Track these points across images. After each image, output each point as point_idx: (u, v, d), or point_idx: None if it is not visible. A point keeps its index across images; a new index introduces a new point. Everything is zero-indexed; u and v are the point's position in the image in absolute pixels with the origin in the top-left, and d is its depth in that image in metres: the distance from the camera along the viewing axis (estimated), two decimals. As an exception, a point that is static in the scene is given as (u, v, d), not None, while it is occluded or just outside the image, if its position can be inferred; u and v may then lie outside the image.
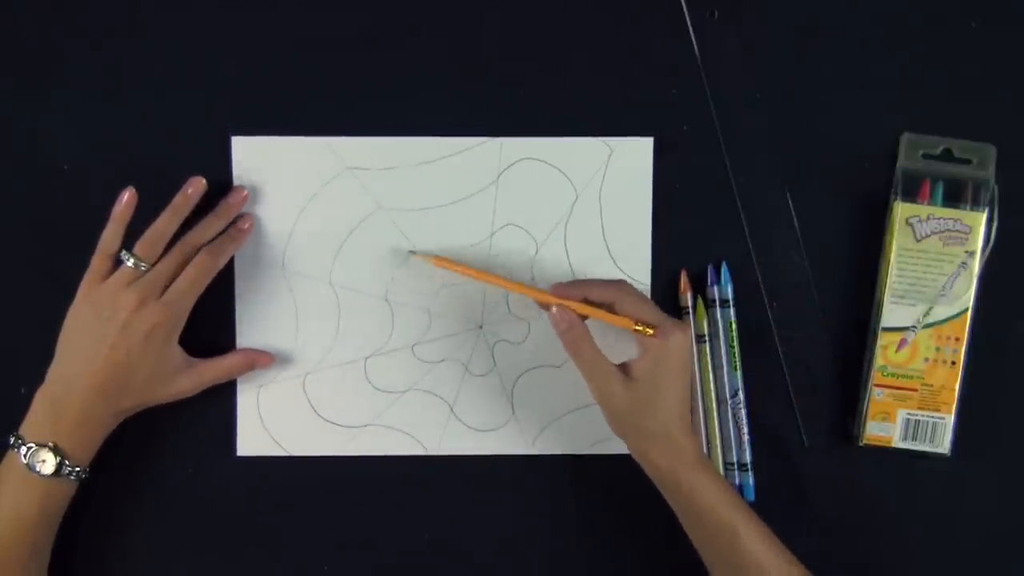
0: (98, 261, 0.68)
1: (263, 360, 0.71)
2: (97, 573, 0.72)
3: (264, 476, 0.72)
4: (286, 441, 0.72)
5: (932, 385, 0.71)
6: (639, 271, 0.73)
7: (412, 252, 0.71)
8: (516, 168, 0.72)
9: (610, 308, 0.67)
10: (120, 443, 0.69)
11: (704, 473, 0.66)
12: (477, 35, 0.72)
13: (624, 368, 0.66)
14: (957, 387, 0.71)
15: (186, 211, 0.69)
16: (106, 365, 0.66)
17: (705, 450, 0.72)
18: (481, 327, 0.73)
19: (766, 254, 0.73)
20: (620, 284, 0.67)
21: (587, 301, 0.67)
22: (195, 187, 0.69)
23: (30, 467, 0.65)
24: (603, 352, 0.66)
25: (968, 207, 0.71)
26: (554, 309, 0.66)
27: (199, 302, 0.68)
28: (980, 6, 0.73)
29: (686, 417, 0.66)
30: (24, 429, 0.66)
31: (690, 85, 0.72)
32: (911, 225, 0.71)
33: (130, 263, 0.67)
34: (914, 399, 0.71)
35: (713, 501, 0.65)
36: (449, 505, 0.73)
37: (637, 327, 0.65)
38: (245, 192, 0.71)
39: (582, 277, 0.72)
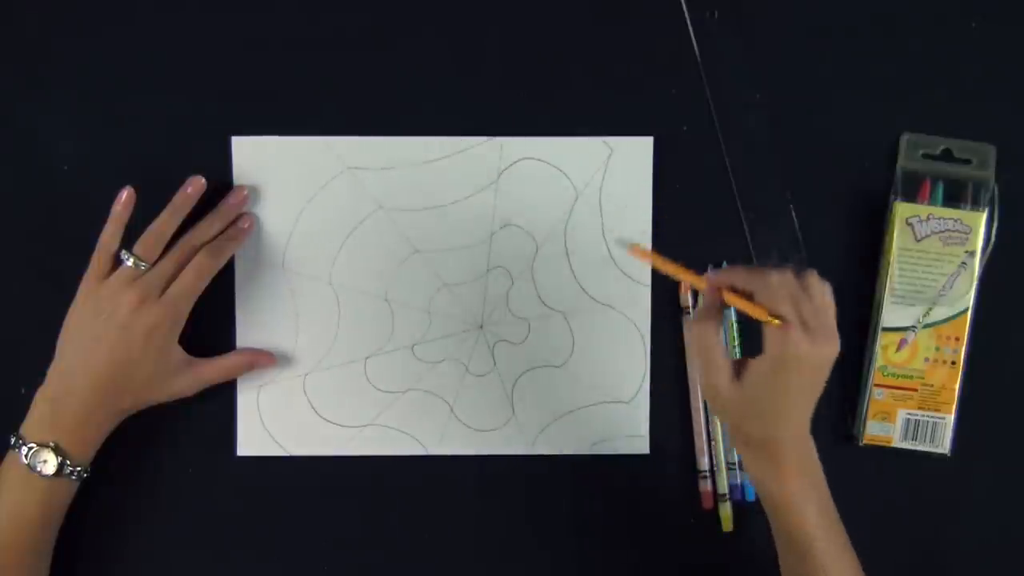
0: (98, 260, 0.68)
1: (263, 360, 0.71)
2: (97, 573, 0.72)
3: (264, 476, 0.72)
4: (286, 441, 0.72)
5: (932, 385, 0.71)
6: (639, 271, 0.73)
7: (630, 244, 0.66)
8: (516, 168, 0.72)
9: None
10: (120, 443, 0.69)
11: (798, 493, 0.61)
12: (477, 35, 0.72)
13: (739, 364, 0.61)
14: (957, 387, 0.71)
15: (186, 210, 0.69)
16: (106, 365, 0.66)
17: (705, 449, 0.72)
18: (481, 327, 0.73)
19: (766, 254, 0.73)
20: (769, 270, 0.60)
21: (734, 288, 0.61)
22: (195, 186, 0.69)
23: (31, 467, 0.65)
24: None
25: (968, 207, 0.71)
26: (706, 287, 0.62)
27: (199, 302, 0.68)
28: (980, 6, 0.73)
29: (798, 431, 0.61)
30: (25, 429, 0.66)
31: (690, 85, 0.72)
32: (911, 225, 0.71)
33: (130, 262, 0.67)
34: (914, 399, 0.71)
35: (797, 520, 0.61)
36: (449, 505, 0.73)
37: (768, 318, 0.59)
38: (245, 192, 0.71)
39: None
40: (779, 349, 0.58)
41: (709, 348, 0.61)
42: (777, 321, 0.59)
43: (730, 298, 0.61)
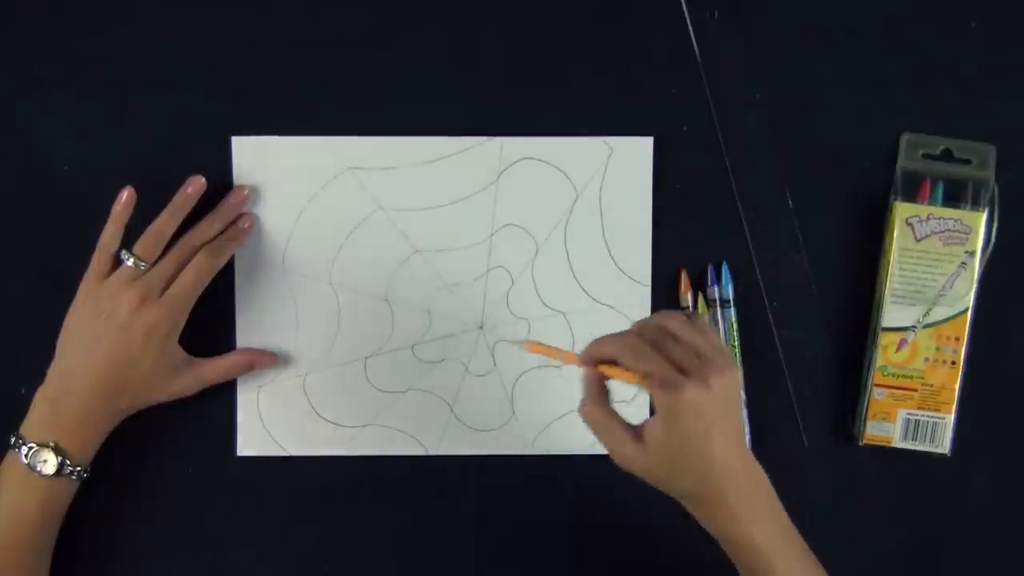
0: (98, 260, 0.68)
1: (263, 360, 0.71)
2: (97, 573, 0.72)
3: (264, 476, 0.72)
4: (286, 441, 0.72)
5: (932, 385, 0.71)
6: (639, 271, 0.73)
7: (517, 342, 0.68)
8: (516, 168, 0.72)
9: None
10: (120, 443, 0.69)
11: (749, 526, 0.59)
12: (477, 35, 0.72)
13: (639, 430, 0.59)
14: (957, 387, 0.71)
15: (186, 210, 0.69)
16: (106, 364, 0.66)
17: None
18: (481, 327, 0.73)
19: (766, 254, 0.73)
20: (628, 332, 0.59)
21: (604, 360, 0.59)
22: (195, 186, 0.69)
23: (31, 467, 0.65)
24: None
25: (968, 207, 0.71)
26: (585, 370, 0.60)
27: (199, 302, 0.68)
28: (980, 6, 0.73)
29: (730, 468, 0.58)
30: (25, 429, 0.66)
31: (690, 85, 0.72)
32: (911, 225, 0.71)
33: (130, 262, 0.67)
34: (914, 399, 0.71)
35: (752, 554, 0.59)
36: (450, 505, 0.73)
37: (638, 380, 0.58)
38: (245, 192, 0.71)
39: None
40: (662, 405, 0.57)
41: (603, 426, 0.59)
42: (646, 381, 0.57)
43: (606, 371, 0.59)
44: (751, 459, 0.60)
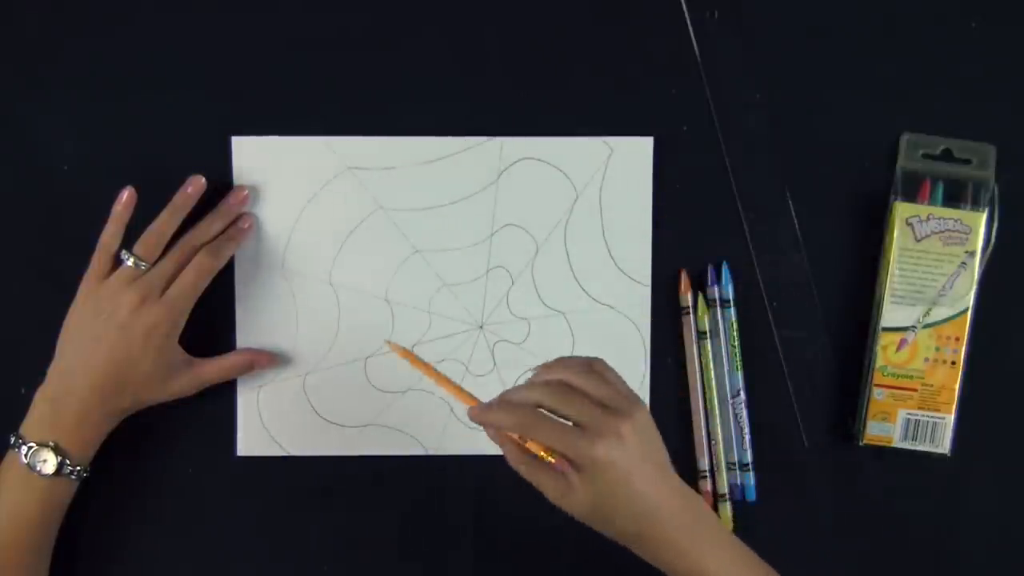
0: (98, 260, 0.68)
1: (263, 360, 0.71)
2: (97, 573, 0.72)
3: (264, 476, 0.72)
4: (286, 441, 0.72)
5: (932, 385, 0.71)
6: (639, 271, 0.73)
7: (387, 342, 0.69)
8: (516, 168, 0.72)
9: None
10: (120, 443, 0.69)
11: (698, 559, 0.59)
12: (477, 35, 0.72)
13: (568, 481, 0.58)
14: (957, 387, 0.71)
15: (186, 210, 0.69)
16: (106, 364, 0.66)
17: (705, 449, 0.72)
18: (481, 327, 0.73)
19: (766, 254, 0.73)
20: (516, 403, 0.59)
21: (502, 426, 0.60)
22: (195, 186, 0.69)
23: (31, 467, 0.65)
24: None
25: (968, 207, 0.71)
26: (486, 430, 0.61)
27: (199, 302, 0.68)
28: (980, 6, 0.73)
29: (667, 506, 0.58)
30: (25, 429, 0.66)
31: (690, 85, 0.72)
32: (911, 225, 0.71)
33: (130, 262, 0.67)
34: (914, 399, 0.71)
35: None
36: (449, 505, 0.73)
37: (543, 454, 0.59)
38: (245, 192, 0.71)
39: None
40: (579, 465, 0.57)
41: (534, 480, 0.59)
42: (550, 458, 0.58)
43: (510, 444, 0.60)
44: (683, 489, 0.60)
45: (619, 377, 0.60)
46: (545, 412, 0.58)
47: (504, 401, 0.60)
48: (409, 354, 0.67)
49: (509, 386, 0.72)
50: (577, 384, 0.58)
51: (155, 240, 0.68)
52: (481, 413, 0.60)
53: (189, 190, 0.69)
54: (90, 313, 0.67)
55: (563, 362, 0.60)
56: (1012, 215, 0.71)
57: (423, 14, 0.72)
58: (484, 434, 0.72)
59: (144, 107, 0.71)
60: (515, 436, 0.60)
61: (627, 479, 0.57)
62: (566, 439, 0.57)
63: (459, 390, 0.64)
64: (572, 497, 0.58)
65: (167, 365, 0.68)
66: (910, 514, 0.73)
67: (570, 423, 0.58)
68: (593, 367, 0.60)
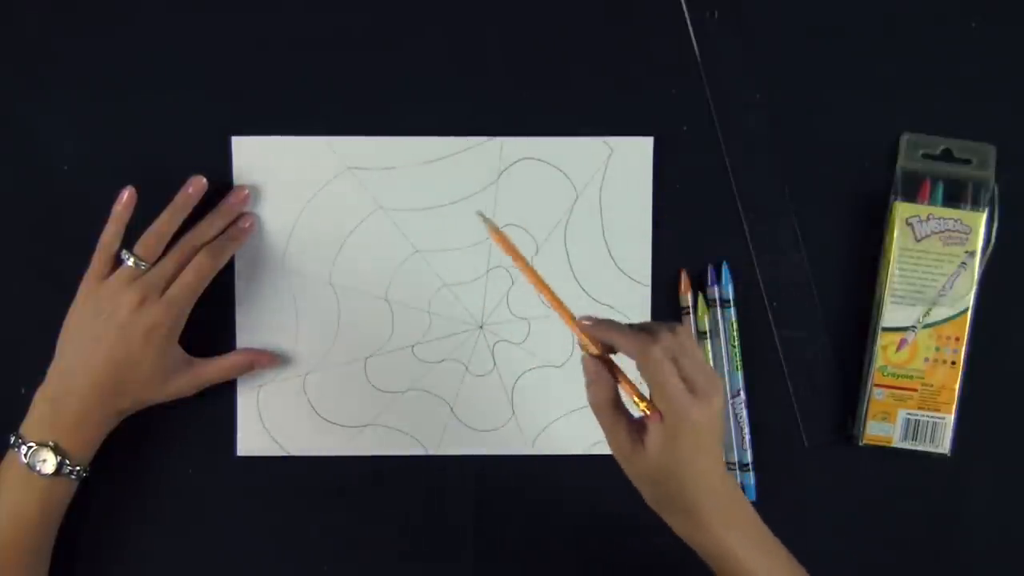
0: (98, 260, 0.68)
1: (263, 360, 0.71)
2: (97, 573, 0.72)
3: (264, 476, 0.72)
4: (286, 441, 0.72)
5: (932, 385, 0.71)
6: (639, 271, 0.73)
7: (480, 214, 0.63)
8: (516, 168, 0.72)
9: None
10: (120, 443, 0.69)
11: (728, 541, 0.60)
12: (477, 35, 0.72)
13: (639, 429, 0.59)
14: (957, 387, 0.71)
15: (186, 210, 0.69)
16: (106, 364, 0.66)
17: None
18: (481, 327, 0.73)
19: (766, 254, 0.73)
20: (649, 337, 0.58)
21: (611, 349, 0.60)
22: (196, 186, 0.69)
23: (30, 467, 0.65)
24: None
25: (968, 207, 0.71)
26: (585, 356, 0.60)
27: (199, 302, 0.68)
28: (980, 6, 0.73)
29: (712, 485, 0.60)
30: (24, 429, 0.66)
31: (690, 85, 0.72)
32: (911, 225, 0.71)
33: (130, 262, 0.67)
34: (914, 399, 0.71)
35: (735, 567, 0.60)
36: (449, 505, 0.73)
37: (643, 407, 0.59)
38: (246, 192, 0.71)
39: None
40: (673, 419, 0.57)
41: (609, 421, 0.60)
42: (642, 406, 0.59)
43: (615, 376, 0.60)
44: (729, 477, 0.62)
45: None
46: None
47: (621, 330, 0.59)
48: (503, 239, 0.62)
49: (509, 386, 0.73)
50: (689, 346, 0.59)
51: (155, 240, 0.68)
52: (598, 326, 0.60)
53: (190, 190, 0.69)
54: (90, 313, 0.67)
55: (673, 325, 0.60)
56: (1012, 215, 0.71)
57: (424, 14, 0.72)
58: (484, 434, 0.73)
59: (144, 107, 0.71)
60: (609, 375, 0.60)
61: (698, 449, 0.58)
62: (675, 391, 0.57)
63: (554, 298, 0.61)
64: (640, 452, 0.59)
65: (167, 365, 0.68)
66: (910, 514, 0.73)
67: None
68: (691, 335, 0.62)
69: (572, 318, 0.61)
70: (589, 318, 0.61)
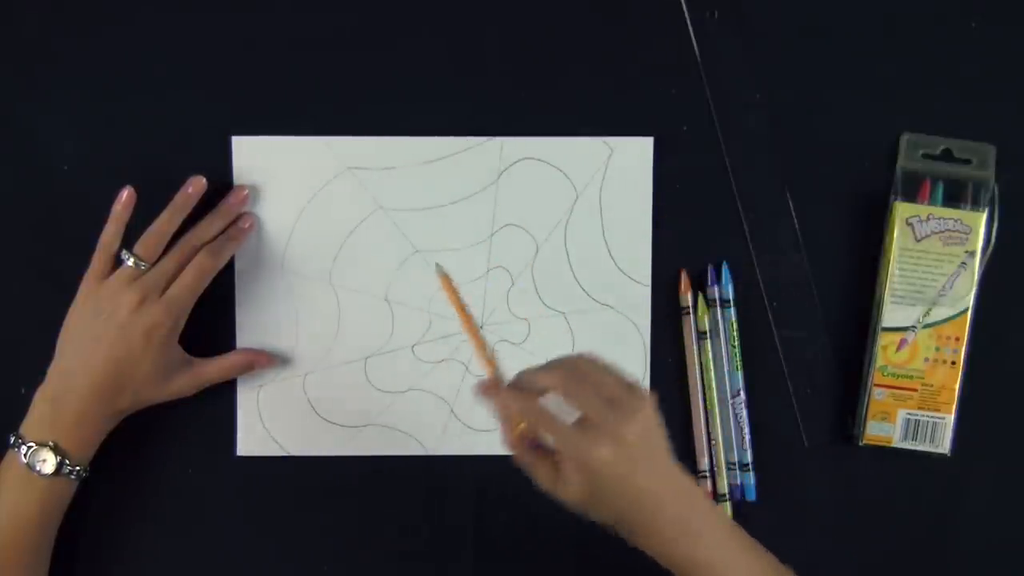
0: (98, 260, 0.68)
1: (262, 360, 0.71)
2: (97, 573, 0.72)
3: (264, 476, 0.72)
4: (286, 441, 0.72)
5: (932, 385, 0.71)
6: (639, 271, 0.73)
7: (438, 265, 0.69)
8: (516, 168, 0.72)
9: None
10: (120, 443, 0.69)
11: (690, 547, 0.60)
12: (477, 35, 0.72)
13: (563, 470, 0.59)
14: (957, 387, 0.71)
15: (186, 210, 0.69)
16: (105, 364, 0.66)
17: (705, 449, 0.72)
18: (481, 327, 0.73)
19: (766, 254, 0.73)
20: (524, 397, 0.60)
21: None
22: (196, 186, 0.69)
23: (30, 466, 0.65)
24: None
25: (968, 207, 0.71)
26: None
27: (199, 302, 0.68)
28: (980, 6, 0.73)
29: (654, 500, 0.59)
30: (24, 428, 0.66)
31: (690, 85, 0.72)
32: (911, 225, 0.71)
33: (130, 262, 0.67)
34: (914, 399, 0.71)
35: (704, 572, 0.60)
36: (449, 505, 0.73)
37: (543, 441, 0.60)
38: (246, 192, 0.71)
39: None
40: (575, 463, 0.58)
41: (527, 467, 0.60)
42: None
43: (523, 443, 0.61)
44: (679, 482, 0.60)
45: (625, 375, 0.61)
46: (550, 403, 0.59)
47: (514, 385, 0.61)
48: (450, 287, 0.67)
49: (509, 386, 0.72)
50: (588, 374, 0.59)
51: (155, 240, 0.68)
52: (487, 391, 0.61)
53: (190, 190, 0.69)
54: (90, 313, 0.67)
55: (574, 357, 0.61)
56: (1012, 215, 0.71)
57: (423, 14, 0.72)
58: (484, 434, 0.73)
59: (144, 107, 0.71)
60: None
61: (622, 479, 0.58)
62: (567, 438, 0.58)
63: (483, 349, 0.65)
64: (565, 488, 0.59)
65: (167, 365, 0.68)
66: (910, 514, 0.73)
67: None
68: (599, 362, 0.61)
69: (494, 373, 0.63)
70: (490, 384, 0.62)
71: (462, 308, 0.67)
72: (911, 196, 0.71)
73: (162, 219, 0.68)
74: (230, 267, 0.71)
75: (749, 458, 0.72)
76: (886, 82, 0.73)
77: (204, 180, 0.69)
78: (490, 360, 0.65)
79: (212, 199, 0.70)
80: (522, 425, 0.61)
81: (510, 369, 0.73)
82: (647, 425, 0.59)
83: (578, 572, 0.73)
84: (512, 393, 0.61)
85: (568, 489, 0.59)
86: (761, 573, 0.60)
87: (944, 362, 0.71)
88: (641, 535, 0.60)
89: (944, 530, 0.73)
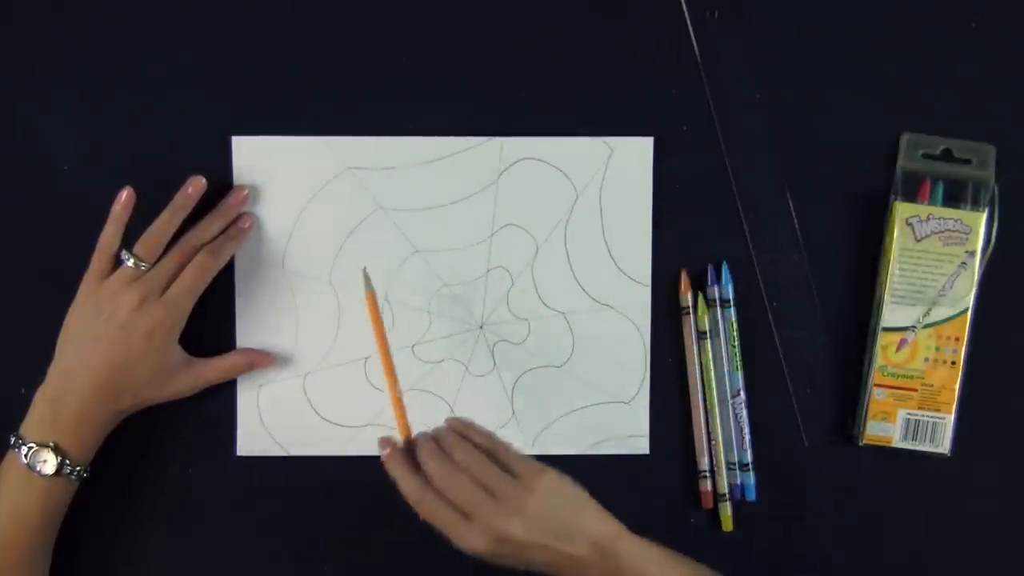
0: (98, 261, 0.68)
1: (262, 360, 0.71)
2: (97, 573, 0.72)
3: (264, 476, 0.72)
4: (286, 441, 0.72)
5: (932, 385, 0.71)
6: (639, 271, 0.73)
7: (364, 269, 0.68)
8: (516, 168, 0.72)
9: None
10: (120, 443, 0.69)
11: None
12: (477, 35, 0.72)
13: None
14: (957, 387, 0.71)
15: (186, 210, 0.69)
16: (105, 365, 0.66)
17: (705, 449, 0.72)
18: (481, 327, 0.73)
19: (766, 254, 0.73)
20: (415, 484, 0.61)
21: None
22: (195, 186, 0.69)
23: (31, 467, 0.65)
24: None
25: (968, 207, 0.71)
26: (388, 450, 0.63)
27: (199, 302, 0.68)
28: (980, 6, 0.73)
29: (567, 563, 0.61)
30: (24, 429, 0.66)
31: (690, 85, 0.72)
32: (911, 225, 0.71)
33: (130, 263, 0.67)
34: (914, 399, 0.71)
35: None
36: (449, 505, 0.73)
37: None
38: (246, 192, 0.71)
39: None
40: (465, 546, 0.60)
41: (434, 521, 0.61)
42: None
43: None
44: (595, 531, 0.61)
45: (516, 454, 0.62)
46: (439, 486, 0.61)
47: (408, 465, 0.62)
48: (376, 315, 0.66)
49: (509, 387, 0.73)
50: (467, 464, 0.61)
51: (155, 240, 0.68)
52: (387, 459, 0.62)
53: (189, 190, 0.69)
54: (90, 313, 0.67)
55: (454, 439, 0.62)
56: (1012, 215, 0.71)
57: (423, 14, 0.72)
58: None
59: (144, 107, 0.71)
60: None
61: (519, 555, 0.60)
62: (449, 527, 0.60)
63: (399, 407, 0.66)
64: (469, 544, 0.60)
65: (167, 365, 0.68)
66: (910, 514, 0.73)
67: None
68: (493, 443, 0.62)
69: (404, 423, 0.65)
70: (397, 448, 0.63)
71: (382, 332, 0.66)
72: (911, 196, 0.71)
73: (162, 219, 0.68)
74: (230, 267, 0.71)
75: (749, 458, 0.72)
76: (886, 82, 0.73)
77: (204, 180, 0.69)
78: (398, 400, 0.65)
79: (212, 199, 0.70)
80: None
81: (511, 368, 0.73)
82: (539, 508, 0.60)
83: (578, 572, 0.73)
84: (402, 476, 0.62)
85: (472, 546, 0.60)
86: None
87: (944, 362, 0.71)
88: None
89: (944, 530, 0.73)
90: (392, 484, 0.72)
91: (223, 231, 0.70)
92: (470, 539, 0.60)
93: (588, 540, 0.61)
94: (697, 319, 0.72)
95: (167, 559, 0.72)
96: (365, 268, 0.67)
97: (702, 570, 0.62)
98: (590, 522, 0.62)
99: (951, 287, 0.71)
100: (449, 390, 0.73)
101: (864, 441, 0.72)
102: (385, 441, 0.63)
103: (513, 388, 0.73)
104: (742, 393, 0.72)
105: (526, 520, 0.60)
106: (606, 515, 0.62)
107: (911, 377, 0.71)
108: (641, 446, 0.73)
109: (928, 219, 0.71)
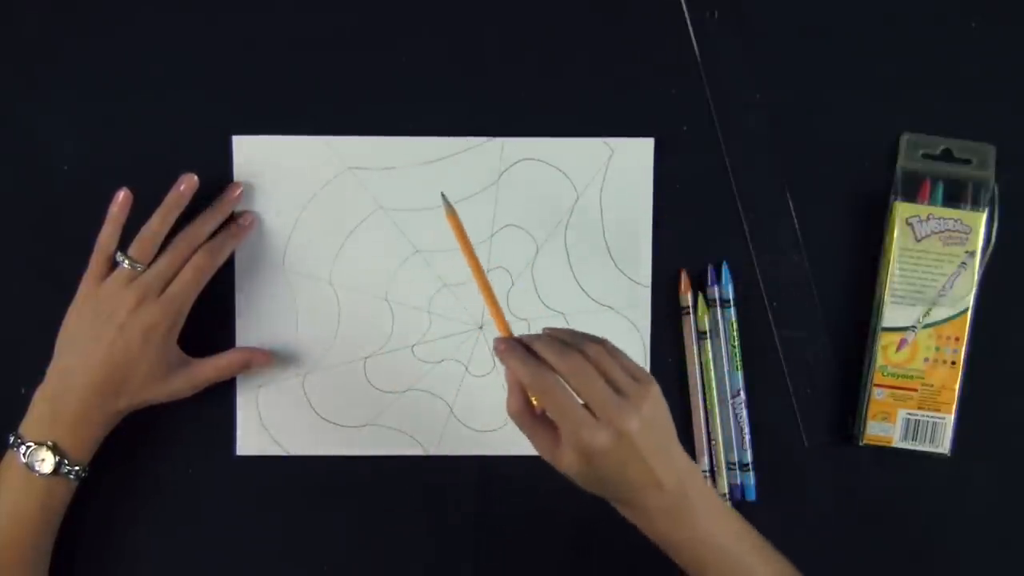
0: (96, 262, 0.68)
1: (260, 358, 0.71)
2: (97, 573, 0.72)
3: (264, 476, 0.72)
4: (286, 441, 0.72)
5: (932, 385, 0.71)
6: (639, 271, 0.73)
7: (443, 194, 0.67)
8: (516, 168, 0.72)
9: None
10: (120, 443, 0.69)
11: (682, 530, 0.61)
12: (478, 35, 0.72)
13: (563, 445, 0.59)
14: (957, 387, 0.71)
15: (179, 209, 0.69)
16: (104, 365, 0.66)
17: (705, 449, 0.72)
18: (481, 327, 0.73)
19: (766, 254, 0.73)
20: (541, 372, 0.59)
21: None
22: (187, 184, 0.69)
23: (29, 466, 0.65)
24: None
25: (968, 207, 0.71)
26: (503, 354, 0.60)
27: (198, 302, 0.68)
28: (980, 6, 0.73)
29: (648, 487, 0.59)
30: (23, 428, 0.66)
31: (690, 85, 0.72)
32: (911, 225, 0.71)
33: (125, 264, 0.67)
34: (914, 399, 0.71)
35: (696, 551, 0.62)
36: (449, 505, 0.73)
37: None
38: (240, 189, 0.71)
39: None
40: (576, 447, 0.58)
41: (528, 432, 0.61)
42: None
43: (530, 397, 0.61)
44: (679, 466, 0.61)
45: (630, 359, 0.61)
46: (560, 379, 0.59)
47: (527, 354, 0.60)
48: (459, 228, 0.65)
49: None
50: (596, 361, 0.59)
51: (149, 241, 0.68)
52: (504, 352, 0.60)
53: (182, 188, 0.69)
54: (89, 314, 0.67)
55: (585, 342, 0.60)
56: (1012, 215, 0.71)
57: (424, 14, 0.72)
58: (484, 434, 0.73)
59: (144, 107, 0.71)
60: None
61: (620, 465, 0.59)
62: (572, 421, 0.58)
63: (495, 307, 0.64)
64: (561, 460, 0.59)
65: (165, 365, 0.68)
66: (910, 514, 0.73)
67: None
68: (606, 346, 0.61)
69: (505, 325, 0.63)
70: (511, 340, 0.61)
71: (472, 252, 0.65)
72: (911, 196, 0.71)
73: (154, 220, 0.68)
74: (230, 266, 0.71)
75: (749, 458, 0.72)
76: (886, 82, 0.73)
77: (196, 177, 0.69)
78: (499, 312, 0.64)
79: (212, 199, 0.70)
80: (534, 400, 0.61)
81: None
82: (651, 415, 0.59)
83: (578, 572, 0.73)
84: (524, 363, 0.59)
85: (564, 462, 0.59)
86: (752, 549, 0.62)
87: (944, 362, 0.71)
88: (636, 516, 0.61)
89: (944, 530, 0.73)
90: (393, 484, 0.73)
91: (219, 228, 0.70)
92: (597, 436, 0.57)
93: (675, 470, 0.60)
94: (697, 319, 0.72)
95: (167, 559, 0.72)
96: (443, 192, 0.67)
97: (760, 539, 0.63)
98: (679, 450, 0.61)
99: (951, 287, 0.71)
100: (449, 390, 0.73)
101: (864, 441, 0.72)
102: (500, 339, 0.61)
103: (513, 388, 0.73)
104: (742, 393, 0.72)
105: (643, 424, 0.58)
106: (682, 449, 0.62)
107: (911, 377, 0.71)
108: (641, 446, 0.73)
109: (928, 219, 0.71)
